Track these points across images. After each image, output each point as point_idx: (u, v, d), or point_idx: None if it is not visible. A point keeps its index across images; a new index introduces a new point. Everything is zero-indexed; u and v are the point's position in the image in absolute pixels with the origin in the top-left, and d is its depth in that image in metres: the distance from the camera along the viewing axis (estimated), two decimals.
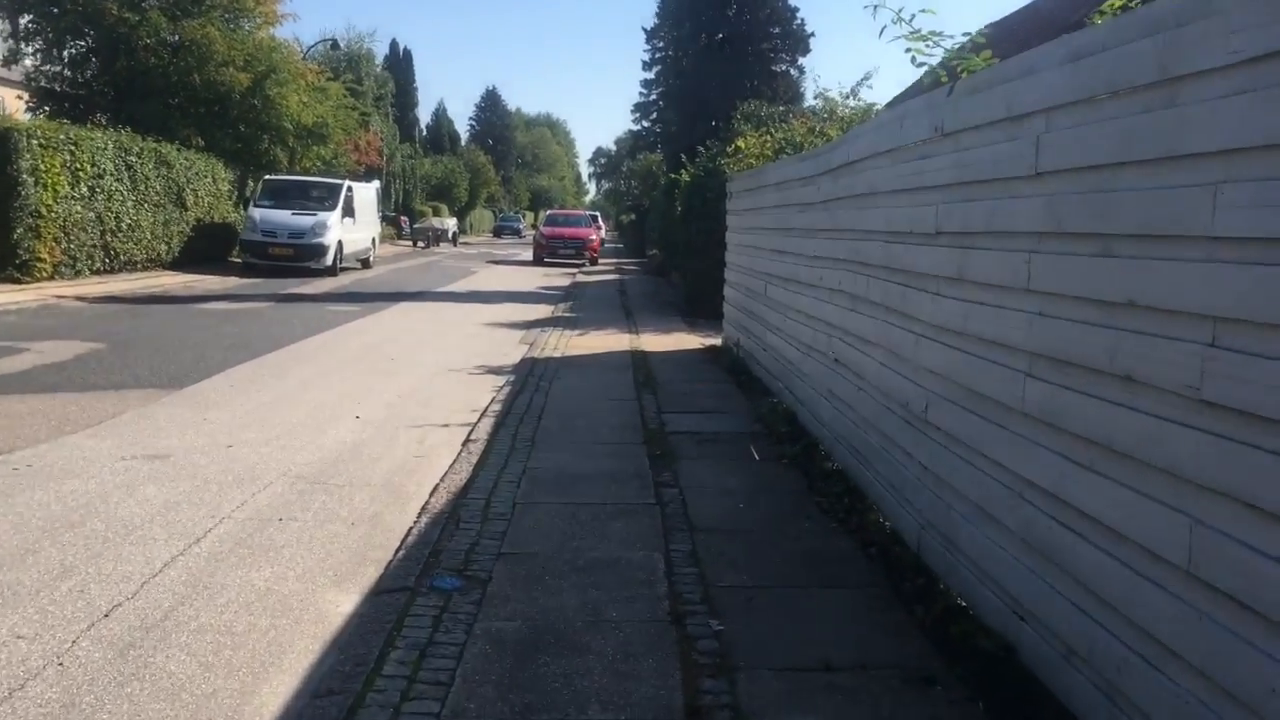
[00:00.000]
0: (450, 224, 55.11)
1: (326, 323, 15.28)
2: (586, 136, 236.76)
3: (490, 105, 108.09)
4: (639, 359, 12.54)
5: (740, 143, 13.54)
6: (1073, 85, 3.62)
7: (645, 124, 55.19)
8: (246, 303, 17.98)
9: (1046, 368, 3.74)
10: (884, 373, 5.92)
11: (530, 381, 10.60)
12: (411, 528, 5.66)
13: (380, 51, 62.26)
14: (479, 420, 8.66)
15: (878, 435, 6.06)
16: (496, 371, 11.53)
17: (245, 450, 7.30)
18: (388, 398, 9.65)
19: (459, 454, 7.45)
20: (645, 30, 40.42)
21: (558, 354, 12.83)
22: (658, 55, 40.92)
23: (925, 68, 4.79)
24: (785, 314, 9.44)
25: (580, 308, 19.71)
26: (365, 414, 8.80)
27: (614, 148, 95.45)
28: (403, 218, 55.16)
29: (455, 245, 52.14)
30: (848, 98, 12.81)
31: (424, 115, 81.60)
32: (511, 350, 13.37)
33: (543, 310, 19.28)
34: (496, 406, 9.25)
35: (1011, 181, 4.09)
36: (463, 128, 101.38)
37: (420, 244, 48.62)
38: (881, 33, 4.94)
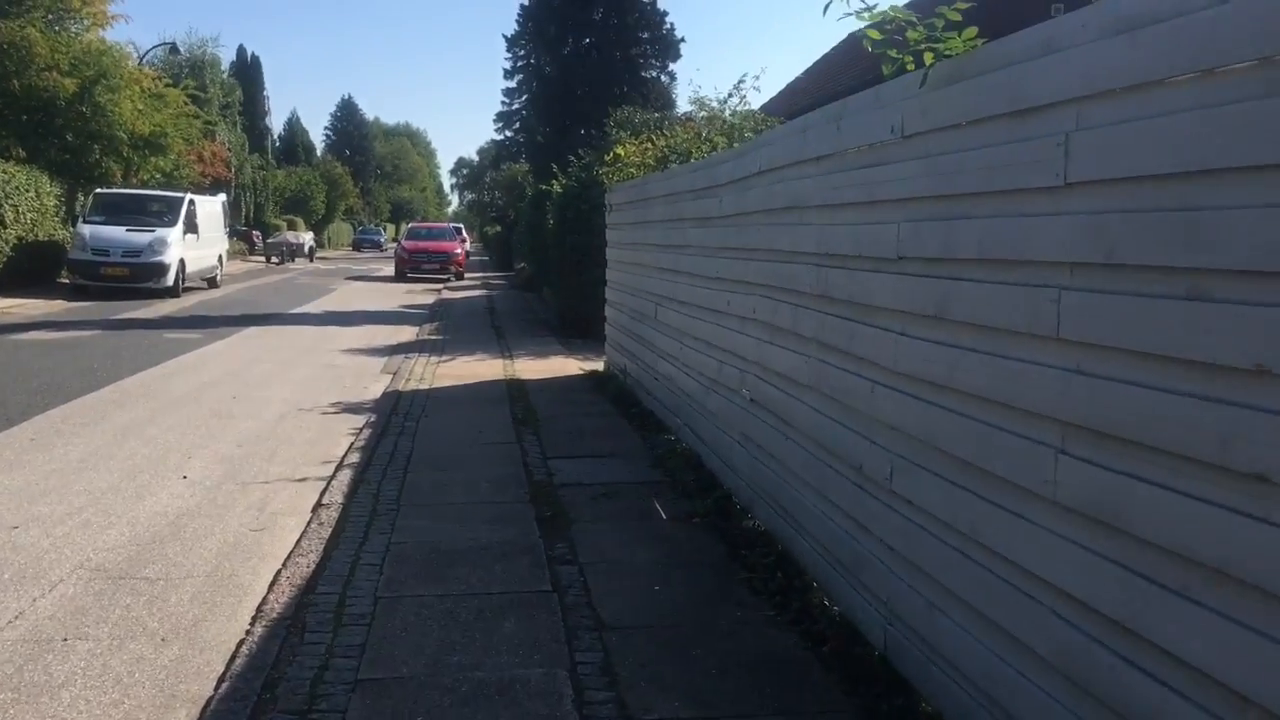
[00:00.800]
0: (306, 238, 52.68)
1: (161, 354, 13.63)
2: (448, 147, 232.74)
3: (347, 115, 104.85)
4: (515, 389, 11.38)
5: (619, 150, 12.55)
6: (1126, 65, 2.68)
7: (509, 134, 53.91)
8: (69, 331, 16.09)
9: (1090, 443, 2.80)
10: (822, 422, 4.96)
11: (394, 421, 9.34)
12: (242, 641, 4.41)
13: (227, 58, 59.32)
14: (334, 474, 7.40)
15: (815, 496, 5.09)
16: (356, 409, 10.22)
17: (33, 533, 5.88)
18: (225, 448, 8.27)
19: (308, 524, 6.19)
20: (506, 38, 39.20)
21: (425, 385, 11.57)
22: (519, 63, 39.73)
23: (891, 58, 3.81)
24: (681, 341, 8.45)
25: (448, 329, 18.40)
26: (195, 472, 7.43)
27: (477, 158, 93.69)
28: (255, 232, 52.45)
29: (312, 260, 49.80)
30: (726, 100, 11.95)
31: (277, 125, 78.40)
32: (373, 382, 12.03)
33: (407, 333, 17.89)
34: (355, 455, 7.99)
35: (1024, 195, 3.15)
36: (318, 138, 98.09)
37: (274, 260, 46.21)
38: (826, 10, 3.96)
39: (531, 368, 13.28)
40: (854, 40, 5.19)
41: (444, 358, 14.14)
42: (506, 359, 14.18)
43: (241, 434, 8.85)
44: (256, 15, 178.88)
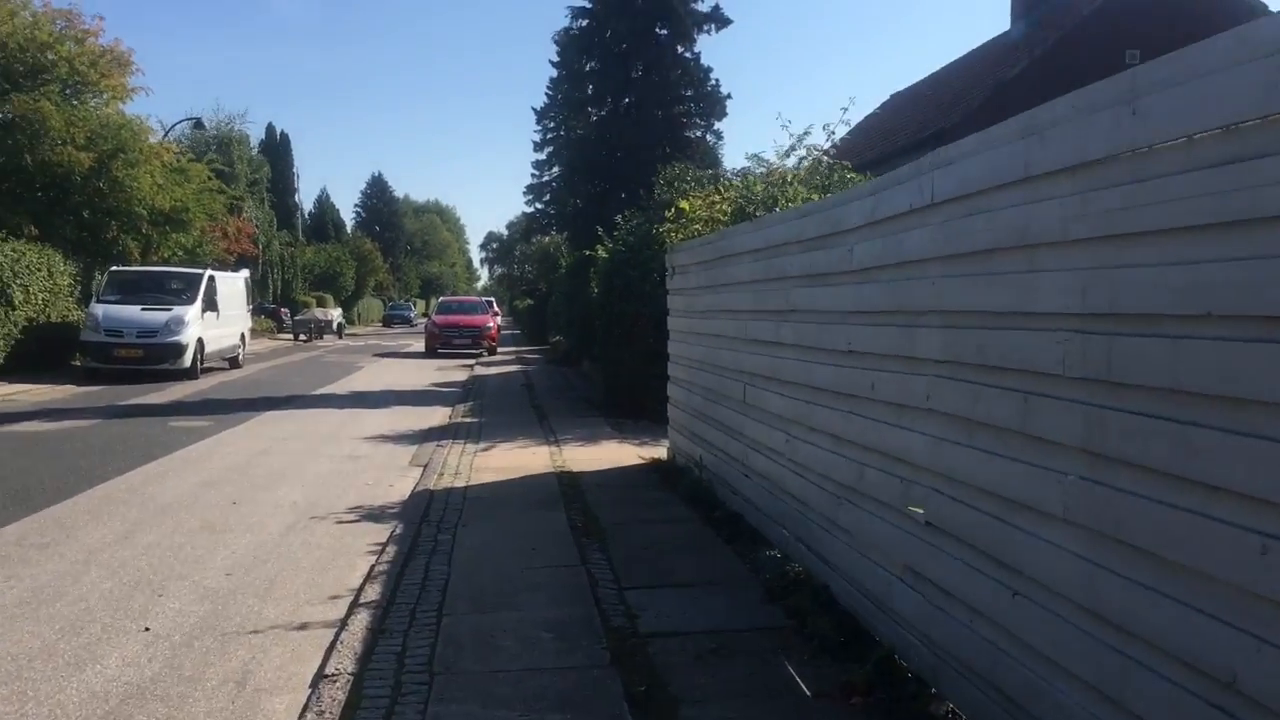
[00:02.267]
0: (335, 314, 51.42)
1: (161, 446, 11.93)
2: (477, 221, 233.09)
3: (376, 192, 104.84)
4: (568, 484, 9.56)
5: (683, 204, 10.85)
6: None
7: (539, 205, 52.83)
8: (66, 420, 14.45)
9: None
10: (1103, 580, 3.12)
11: (425, 534, 7.54)
12: None
13: (255, 135, 58.80)
14: (346, 619, 5.58)
15: (1065, 678, 3.26)
16: (379, 515, 8.42)
17: None
18: (210, 578, 6.47)
19: (303, 712, 4.37)
20: (535, 110, 38.01)
21: (461, 481, 9.76)
22: (549, 135, 38.55)
23: None
24: (788, 432, 6.63)
25: (483, 409, 16.65)
26: (164, 619, 5.63)
27: (506, 232, 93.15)
28: (283, 309, 51.28)
29: (341, 337, 48.48)
30: (787, 155, 10.24)
31: (306, 202, 78.02)
32: (400, 478, 10.25)
33: (439, 415, 16.16)
34: (375, 587, 6.17)
35: None
36: (348, 215, 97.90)
37: (302, 337, 44.89)
38: None
39: (583, 456, 11.47)
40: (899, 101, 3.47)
41: (481, 445, 12.36)
42: (553, 445, 12.38)
43: (235, 555, 7.06)
44: (286, 93, 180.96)
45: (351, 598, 6.03)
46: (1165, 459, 2.84)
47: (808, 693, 4.47)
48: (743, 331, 7.86)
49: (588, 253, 19.28)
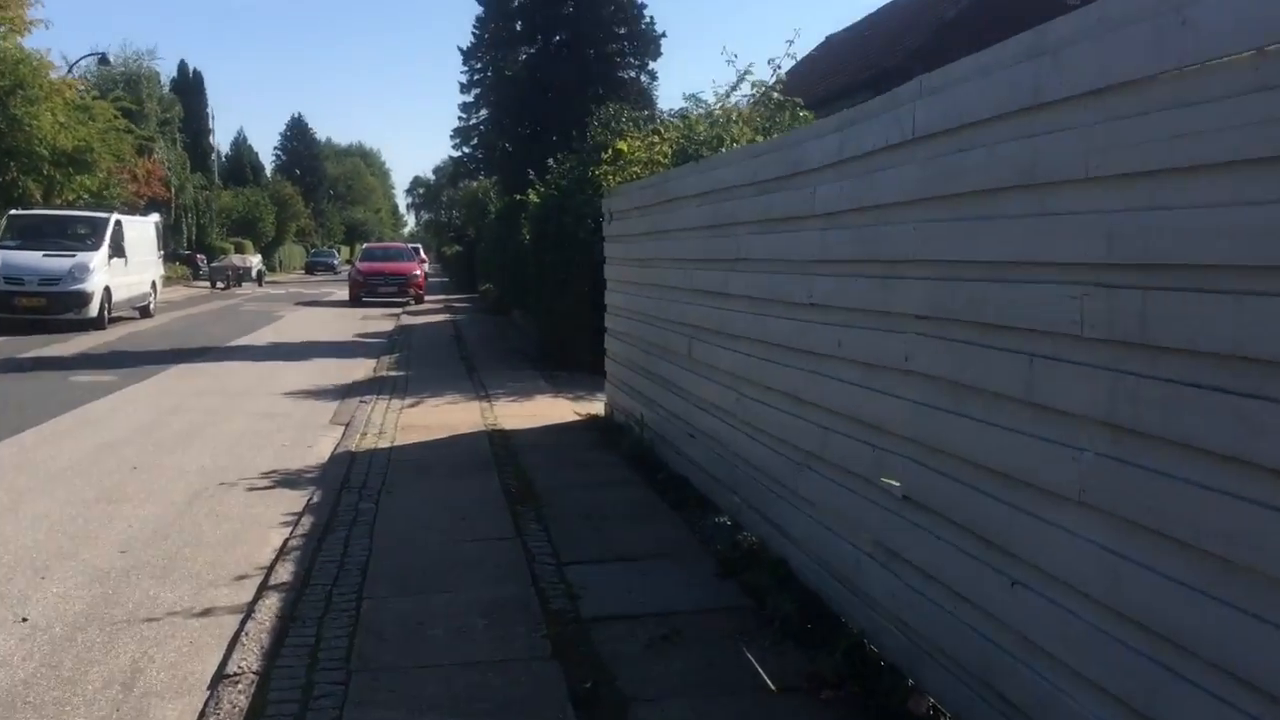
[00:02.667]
0: (254, 261, 49.78)
1: (59, 404, 11.09)
2: (403, 166, 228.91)
3: (297, 134, 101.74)
4: (501, 444, 9.01)
5: (621, 145, 10.24)
6: None
7: (467, 149, 51.60)
8: None
9: None
10: (1131, 575, 2.69)
11: (346, 502, 6.94)
12: None
13: (166, 74, 56.27)
14: (254, 604, 5.00)
15: (1079, 684, 2.84)
16: (295, 481, 7.80)
17: None
18: (102, 556, 5.83)
19: (202, 711, 3.81)
20: (462, 50, 36.75)
21: (385, 442, 9.15)
22: (476, 76, 37.36)
23: None
24: (740, 391, 6.16)
25: (410, 361, 15.95)
26: (44, 607, 4.99)
27: (433, 177, 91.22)
28: (199, 256, 49.55)
29: (260, 285, 46.97)
30: (730, 92, 9.66)
31: (223, 144, 75.33)
32: (320, 437, 9.61)
33: (363, 368, 15.43)
34: (289, 565, 5.58)
35: None
36: (267, 159, 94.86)
37: (219, 285, 43.34)
38: None
39: (516, 412, 10.91)
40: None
41: (408, 400, 11.72)
42: (484, 400, 11.79)
43: (132, 529, 6.41)
44: (199, 29, 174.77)
45: (261, 578, 5.44)
46: (1219, 437, 2.39)
47: (772, 686, 4.02)
48: (688, 281, 7.35)
49: (518, 197, 18.55)
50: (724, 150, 8.20)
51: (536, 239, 15.65)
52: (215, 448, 8.99)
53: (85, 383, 13.00)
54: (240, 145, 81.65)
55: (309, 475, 7.99)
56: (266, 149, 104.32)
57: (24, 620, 4.79)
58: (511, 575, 5.35)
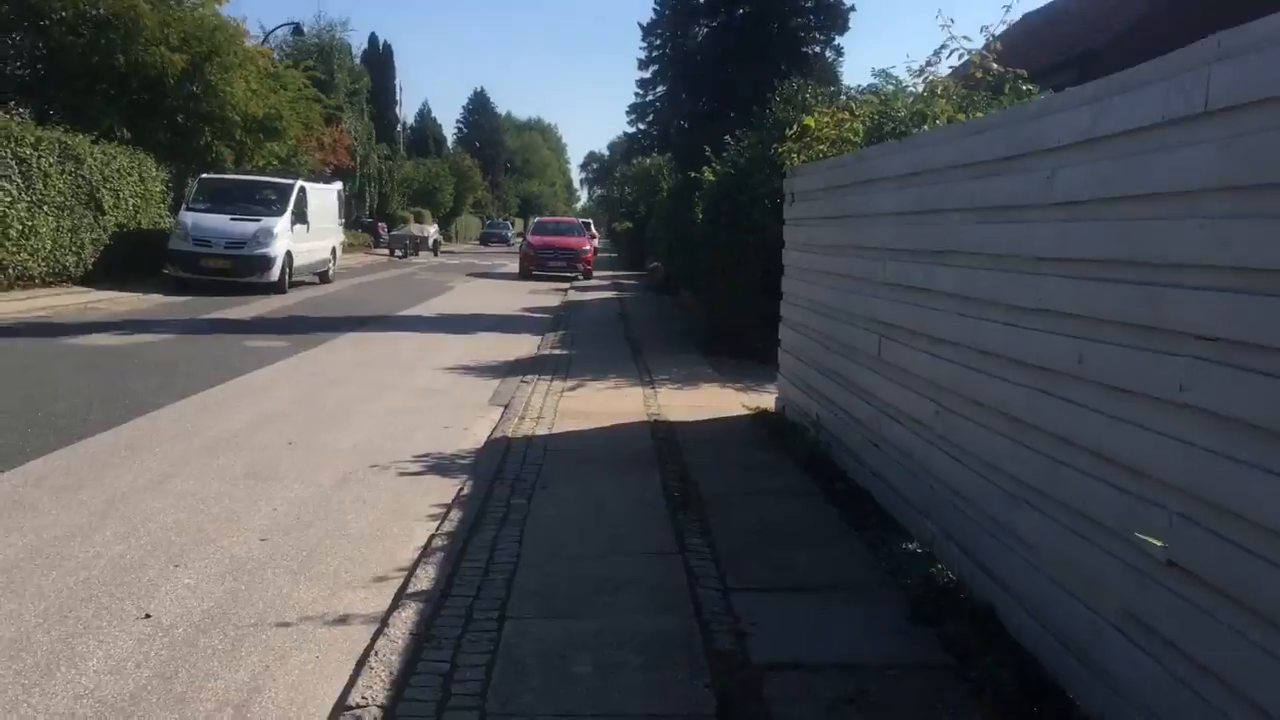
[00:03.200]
0: (431, 231, 50.79)
1: (228, 368, 11.10)
2: (578, 141, 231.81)
3: (479, 108, 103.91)
4: (664, 438, 8.40)
5: (809, 120, 9.42)
6: None
7: (641, 126, 51.38)
8: (139, 334, 13.77)
9: None
10: None
11: (496, 498, 6.46)
12: None
13: (357, 45, 57.99)
14: (388, 618, 4.52)
15: None
16: (447, 468, 7.39)
17: None
18: (241, 544, 5.49)
19: None
20: (642, 26, 36.31)
21: (543, 429, 8.68)
22: (655, 52, 36.87)
23: None
24: (938, 401, 5.36)
25: (574, 340, 15.57)
26: (171, 602, 4.64)
27: (607, 152, 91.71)
28: (380, 224, 50.88)
29: (436, 255, 47.89)
30: (931, 67, 8.68)
31: (408, 116, 77.44)
32: (476, 420, 9.23)
33: (526, 344, 15.13)
34: (429, 573, 5.10)
35: None
36: (449, 131, 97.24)
37: (398, 253, 44.37)
38: None
39: (680, 402, 10.29)
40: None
41: (569, 382, 11.27)
42: (647, 386, 11.23)
43: (277, 513, 6.08)
44: (391, 3, 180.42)
45: (400, 581, 4.99)
46: None
47: None
48: (880, 273, 6.56)
49: (692, 174, 17.89)
50: (927, 129, 7.31)
51: (709, 218, 14.97)
52: (371, 425, 8.71)
53: (256, 348, 13.08)
54: (424, 118, 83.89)
55: (462, 462, 7.57)
56: (449, 122, 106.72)
57: (147, 617, 4.44)
58: (671, 601, 4.73)
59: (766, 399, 10.23)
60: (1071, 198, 4.00)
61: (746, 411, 9.85)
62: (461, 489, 6.72)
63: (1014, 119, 4.80)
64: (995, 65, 6.86)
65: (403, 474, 7.15)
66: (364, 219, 50.52)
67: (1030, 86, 6.77)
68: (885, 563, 5.38)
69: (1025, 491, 4.25)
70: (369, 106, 52.18)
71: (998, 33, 7.83)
